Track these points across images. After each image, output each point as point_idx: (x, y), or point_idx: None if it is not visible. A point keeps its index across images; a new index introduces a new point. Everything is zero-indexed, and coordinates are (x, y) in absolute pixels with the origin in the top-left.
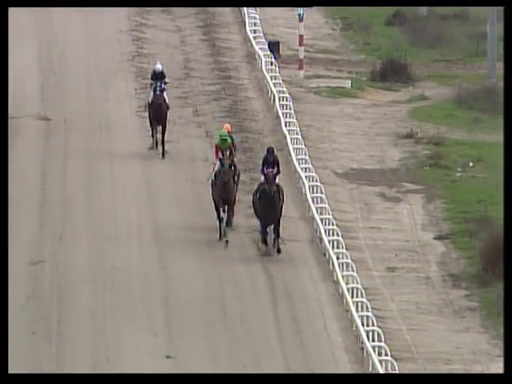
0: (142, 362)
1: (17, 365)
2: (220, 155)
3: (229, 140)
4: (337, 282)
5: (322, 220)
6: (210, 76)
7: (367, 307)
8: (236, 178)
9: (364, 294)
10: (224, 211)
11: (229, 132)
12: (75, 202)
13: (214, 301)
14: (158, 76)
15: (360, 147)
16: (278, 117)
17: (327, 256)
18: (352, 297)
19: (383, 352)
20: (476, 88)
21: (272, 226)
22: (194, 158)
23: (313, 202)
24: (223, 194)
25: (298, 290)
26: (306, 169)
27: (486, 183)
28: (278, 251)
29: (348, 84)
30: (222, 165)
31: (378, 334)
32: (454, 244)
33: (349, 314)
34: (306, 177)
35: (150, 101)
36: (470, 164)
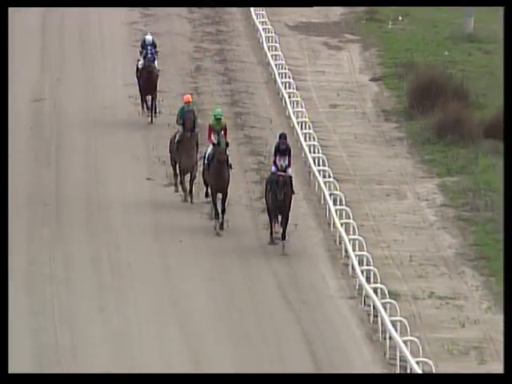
0: (126, 184)
1: (23, 192)
2: (213, 138)
3: (223, 120)
4: (288, 118)
5: (276, 65)
6: None
7: (314, 138)
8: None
9: (311, 127)
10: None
11: (189, 102)
12: (72, 51)
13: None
14: (149, 46)
15: None
16: None
17: (280, 95)
18: (301, 129)
19: (327, 175)
20: None
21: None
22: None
23: (268, 50)
24: (218, 177)
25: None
26: (263, 22)
27: (412, 34)
28: (283, 237)
29: None
30: (218, 144)
31: (323, 160)
32: (386, 85)
33: (298, 143)
34: (262, 29)
35: (140, 66)
36: (400, 18)
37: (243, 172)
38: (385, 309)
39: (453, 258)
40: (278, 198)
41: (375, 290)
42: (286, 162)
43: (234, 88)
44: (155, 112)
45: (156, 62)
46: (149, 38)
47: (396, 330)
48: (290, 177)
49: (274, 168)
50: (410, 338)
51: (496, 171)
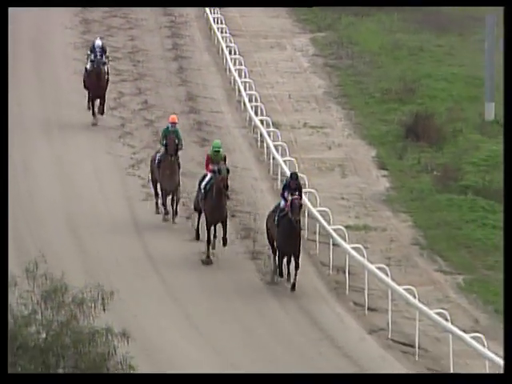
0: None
1: None
2: (212, 166)
3: (222, 152)
4: None
5: None
6: None
7: None
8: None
9: None
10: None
11: (175, 123)
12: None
13: None
14: (98, 50)
15: None
16: None
17: None
18: None
19: (224, 31)
20: None
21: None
22: None
23: None
24: (216, 207)
25: None
26: None
27: None
28: (293, 287)
29: None
30: (219, 172)
31: (221, 20)
32: None
33: (205, 14)
34: None
35: (88, 69)
36: None
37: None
38: (269, 136)
39: (322, 96)
40: (293, 222)
41: (262, 121)
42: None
43: None
44: (102, 114)
45: (106, 67)
46: (98, 41)
47: (278, 152)
48: (301, 204)
49: (283, 203)
50: (288, 158)
51: (355, 28)
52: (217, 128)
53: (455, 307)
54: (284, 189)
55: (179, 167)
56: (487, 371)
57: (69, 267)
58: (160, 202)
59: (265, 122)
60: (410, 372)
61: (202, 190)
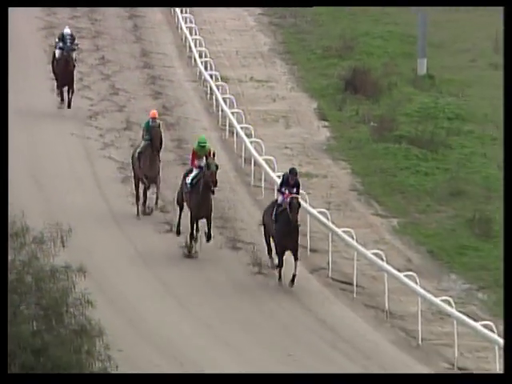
0: None
1: None
2: (199, 162)
3: (207, 146)
4: None
5: None
6: None
7: None
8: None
9: None
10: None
11: (155, 117)
12: None
13: None
14: (68, 38)
15: None
16: None
17: None
18: None
19: None
20: None
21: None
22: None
23: None
24: (202, 202)
25: None
26: None
27: None
28: (293, 279)
29: None
30: (207, 167)
31: None
32: None
33: None
34: None
35: (57, 56)
36: None
37: None
38: (218, 89)
39: (267, 52)
40: (291, 221)
41: (211, 76)
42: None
43: None
44: (69, 107)
45: (74, 54)
46: (67, 30)
47: (226, 104)
48: (300, 204)
49: (280, 198)
50: (236, 110)
51: None
52: (169, 82)
53: (390, 248)
54: (282, 184)
55: (160, 161)
56: (419, 307)
57: (30, 211)
58: (141, 204)
59: (214, 77)
60: (349, 308)
61: (188, 185)
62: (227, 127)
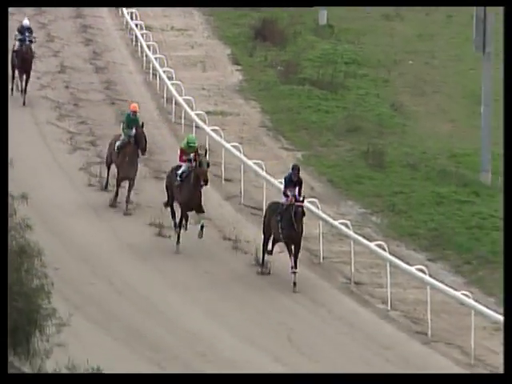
0: None
1: None
2: (187, 156)
3: (196, 145)
4: None
5: None
6: None
7: None
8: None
9: None
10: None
11: (135, 111)
12: None
13: None
14: (26, 30)
15: None
16: None
17: None
18: None
19: None
20: None
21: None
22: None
23: None
24: (192, 197)
25: None
26: None
27: None
28: (295, 266)
29: None
30: (199, 165)
31: None
32: None
33: None
34: None
35: (17, 48)
36: None
37: None
38: (142, 37)
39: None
40: (296, 229)
41: (136, 25)
42: (296, 193)
43: None
44: (25, 92)
45: (33, 46)
46: (26, 21)
47: (150, 50)
48: (305, 213)
49: (284, 198)
50: (159, 55)
51: None
52: (99, 30)
53: None
54: (286, 184)
55: (138, 156)
56: (321, 230)
57: None
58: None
59: (139, 26)
60: (259, 230)
61: (178, 178)
62: (151, 71)
